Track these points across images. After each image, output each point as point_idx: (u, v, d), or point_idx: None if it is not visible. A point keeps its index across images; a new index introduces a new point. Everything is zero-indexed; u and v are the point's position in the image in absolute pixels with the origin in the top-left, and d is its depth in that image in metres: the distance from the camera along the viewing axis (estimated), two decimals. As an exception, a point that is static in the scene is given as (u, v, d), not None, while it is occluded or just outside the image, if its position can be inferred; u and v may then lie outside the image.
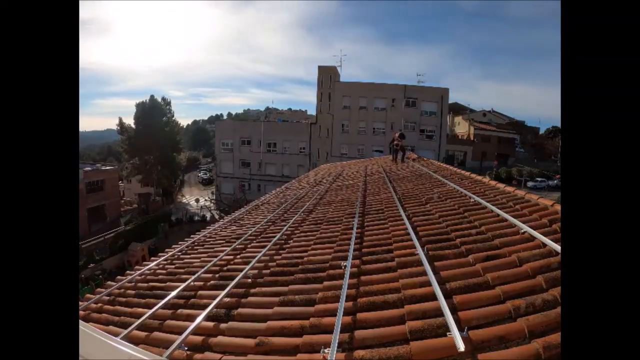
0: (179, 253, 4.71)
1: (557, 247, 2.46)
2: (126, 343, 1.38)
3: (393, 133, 12.36)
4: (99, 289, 3.85)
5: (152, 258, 4.80)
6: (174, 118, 36.45)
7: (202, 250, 4.73)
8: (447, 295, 2.08)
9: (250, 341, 2.06)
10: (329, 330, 1.90)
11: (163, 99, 35.94)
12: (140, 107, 34.00)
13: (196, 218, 27.57)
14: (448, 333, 1.69)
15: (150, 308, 2.68)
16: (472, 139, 43.24)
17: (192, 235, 5.63)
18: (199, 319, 2.28)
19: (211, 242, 5.08)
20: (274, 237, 4.29)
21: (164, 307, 2.71)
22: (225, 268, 3.60)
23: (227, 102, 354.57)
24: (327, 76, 34.42)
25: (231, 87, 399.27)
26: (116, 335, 2.10)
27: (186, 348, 2.10)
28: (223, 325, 2.32)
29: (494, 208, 3.80)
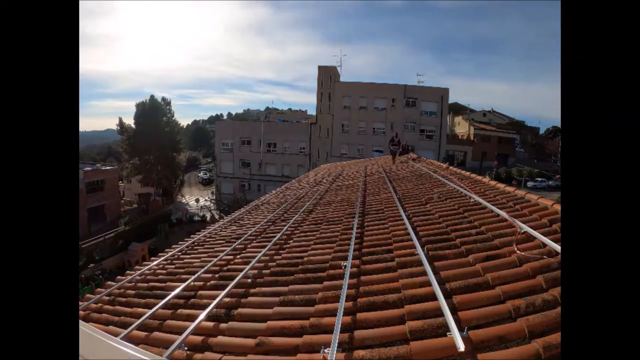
0: (179, 253, 4.71)
1: (557, 247, 2.46)
2: (126, 343, 1.37)
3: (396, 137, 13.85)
4: (99, 289, 3.85)
5: (152, 258, 4.80)
6: (174, 118, 36.48)
7: (202, 250, 4.73)
8: (447, 295, 2.08)
9: (250, 341, 2.06)
10: (329, 330, 1.90)
11: (163, 99, 36.01)
12: (140, 107, 33.99)
13: (196, 218, 27.56)
14: (448, 333, 1.69)
15: (150, 308, 2.68)
16: (472, 139, 43.23)
17: (192, 235, 5.64)
18: (199, 319, 2.28)
19: (211, 242, 5.09)
20: (274, 237, 4.29)
21: (164, 307, 2.71)
22: (225, 268, 3.60)
23: (213, 102, 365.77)
24: (327, 76, 34.41)
25: (213, 88, 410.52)
26: (116, 335, 2.11)
27: (186, 348, 2.10)
28: (223, 325, 2.32)
29: (494, 208, 3.80)
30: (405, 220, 3.78)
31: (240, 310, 2.51)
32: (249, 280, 3.06)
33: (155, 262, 4.33)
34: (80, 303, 3.25)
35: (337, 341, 1.70)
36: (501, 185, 5.13)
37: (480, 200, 4.27)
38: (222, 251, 4.14)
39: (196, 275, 3.31)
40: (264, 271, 3.24)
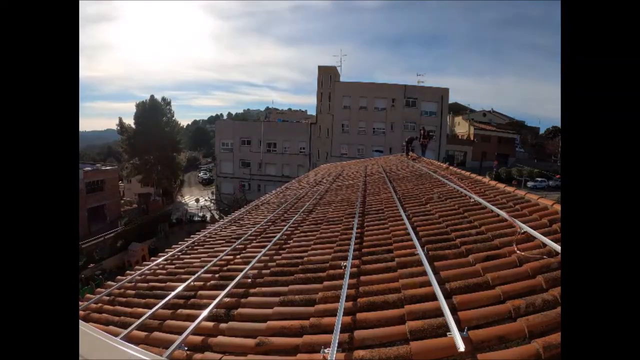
0: (179, 253, 4.71)
1: (557, 247, 2.46)
2: (126, 343, 1.37)
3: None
4: (99, 289, 3.85)
5: (152, 258, 4.80)
6: (174, 118, 36.49)
7: (202, 250, 4.73)
8: (447, 295, 2.08)
9: (250, 341, 2.06)
10: (329, 330, 1.90)
11: (163, 99, 36.00)
12: (140, 107, 33.98)
13: (196, 218, 27.57)
14: (448, 333, 1.69)
15: (150, 308, 2.68)
16: (472, 139, 43.24)
17: (192, 235, 5.64)
18: (199, 319, 2.28)
19: (211, 242, 5.09)
20: (274, 237, 4.29)
21: (164, 307, 2.71)
22: (225, 268, 3.60)
23: (200, 103, 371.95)
24: (327, 76, 34.41)
25: (196, 90, 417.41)
26: (116, 335, 2.11)
27: (186, 348, 2.10)
28: (223, 325, 2.32)
29: (494, 208, 3.80)
30: (405, 220, 3.78)
31: (240, 310, 2.51)
32: (249, 280, 3.06)
33: (155, 262, 4.33)
34: (80, 303, 3.25)
35: (337, 341, 1.70)
36: (501, 185, 5.13)
37: (480, 200, 4.27)
38: (222, 251, 4.14)
39: (196, 275, 3.31)
40: (264, 271, 3.24)
